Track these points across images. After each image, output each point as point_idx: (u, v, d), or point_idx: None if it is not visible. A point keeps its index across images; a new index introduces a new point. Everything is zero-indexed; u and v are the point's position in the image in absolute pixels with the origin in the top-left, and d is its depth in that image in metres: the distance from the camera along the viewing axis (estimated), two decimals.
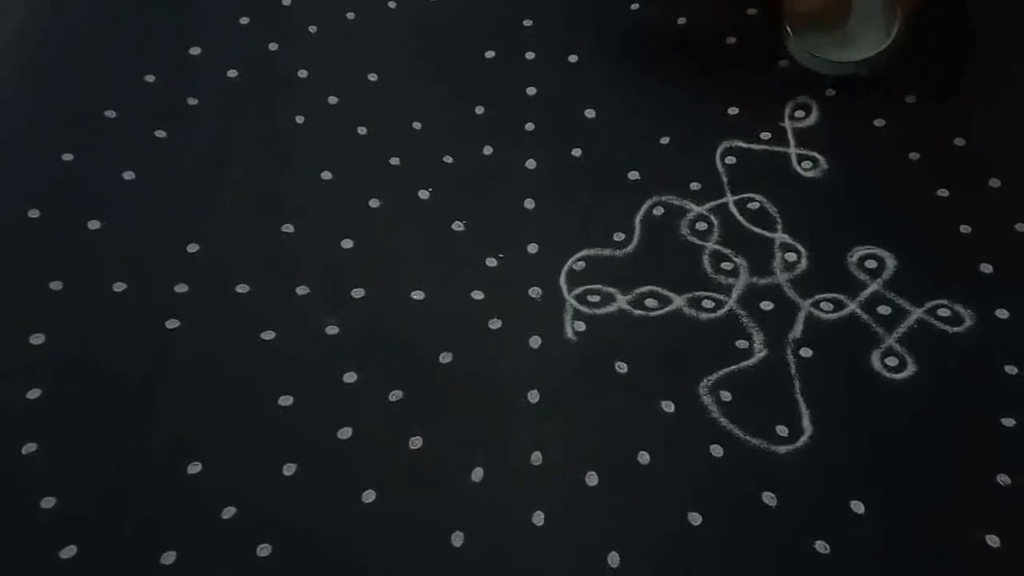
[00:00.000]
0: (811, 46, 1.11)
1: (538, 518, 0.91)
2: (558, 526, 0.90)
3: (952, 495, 0.92)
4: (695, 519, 0.91)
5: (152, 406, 0.95)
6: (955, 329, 1.02)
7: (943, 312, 1.03)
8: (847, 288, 1.05)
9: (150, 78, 1.18)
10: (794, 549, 0.90)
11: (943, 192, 1.11)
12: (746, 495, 0.92)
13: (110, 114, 1.14)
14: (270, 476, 0.92)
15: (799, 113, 1.18)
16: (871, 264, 1.07)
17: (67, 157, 1.11)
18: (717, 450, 0.95)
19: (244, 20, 1.24)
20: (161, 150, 1.12)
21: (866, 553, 0.89)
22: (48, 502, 0.90)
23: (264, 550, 0.88)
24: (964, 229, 1.08)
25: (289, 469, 0.92)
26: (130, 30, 1.22)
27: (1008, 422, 0.96)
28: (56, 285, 1.02)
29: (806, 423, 0.97)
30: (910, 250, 1.07)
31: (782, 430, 0.96)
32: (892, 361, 1.00)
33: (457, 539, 0.89)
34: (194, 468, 0.92)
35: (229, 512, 0.90)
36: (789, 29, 1.11)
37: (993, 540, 0.89)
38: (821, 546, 0.89)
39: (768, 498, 0.92)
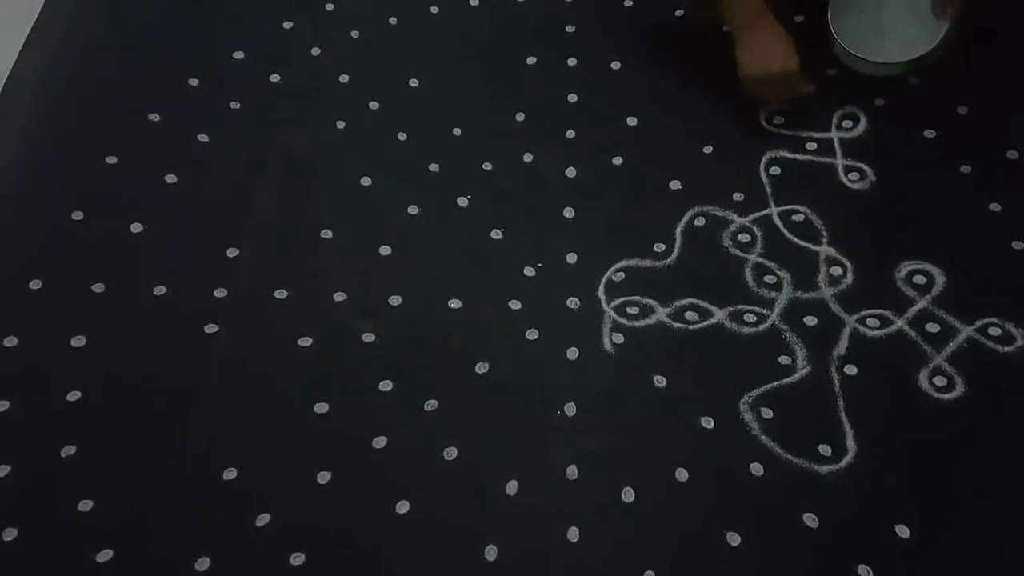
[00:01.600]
0: (854, 47, 1.08)
1: (573, 534, 0.90)
2: (593, 542, 0.89)
3: (999, 521, 0.89)
4: (733, 539, 0.89)
5: (189, 411, 0.96)
6: (1006, 349, 0.99)
7: (994, 331, 1.00)
8: (894, 304, 1.02)
9: (193, 82, 1.18)
10: (835, 573, 0.87)
11: (995, 207, 1.08)
12: (787, 516, 0.90)
13: (154, 118, 1.15)
14: (304, 484, 0.92)
15: (847, 123, 1.15)
16: (919, 280, 1.04)
17: (111, 160, 1.12)
18: (757, 468, 0.93)
19: (287, 25, 1.24)
20: (203, 154, 1.13)
21: None
22: (85, 505, 0.91)
23: (297, 558, 0.88)
24: (1017, 246, 1.05)
25: (323, 477, 0.92)
26: (174, 35, 1.23)
27: None
28: (98, 288, 1.03)
29: (850, 443, 0.94)
30: (960, 266, 1.04)
31: (825, 449, 0.94)
32: (940, 381, 0.97)
33: (491, 553, 0.89)
34: (229, 474, 0.93)
35: (263, 519, 0.91)
36: (832, 30, 1.09)
37: None
38: (864, 570, 0.87)
39: (809, 519, 0.90)
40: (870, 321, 1.02)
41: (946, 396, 0.97)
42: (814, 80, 1.12)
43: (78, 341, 0.99)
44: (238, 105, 1.16)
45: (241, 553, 0.89)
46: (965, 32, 1.06)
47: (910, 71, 1.09)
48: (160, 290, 1.02)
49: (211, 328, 1.00)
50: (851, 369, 0.99)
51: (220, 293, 1.02)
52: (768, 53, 1.08)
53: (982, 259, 1.05)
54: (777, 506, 0.91)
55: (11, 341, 0.99)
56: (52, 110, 1.16)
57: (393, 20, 1.25)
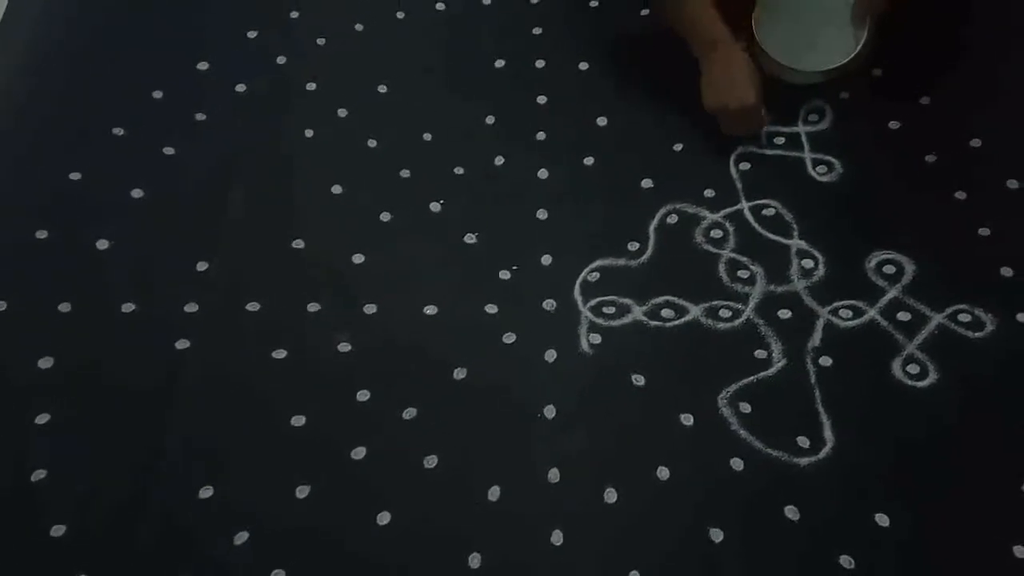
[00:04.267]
0: (781, 56, 1.09)
1: (557, 537, 0.89)
2: (577, 545, 0.89)
3: (978, 506, 0.90)
4: (717, 535, 0.89)
5: (163, 432, 0.95)
6: (977, 335, 1.00)
7: (964, 317, 1.01)
8: (866, 294, 1.03)
9: (158, 94, 1.17)
10: (818, 564, 0.88)
11: (961, 195, 1.09)
12: (768, 510, 0.91)
13: (118, 131, 1.14)
14: (283, 499, 0.91)
15: (813, 117, 1.16)
16: (889, 269, 1.05)
17: (75, 176, 1.10)
18: (738, 463, 0.93)
19: (252, 34, 1.23)
20: (170, 167, 1.11)
21: (892, 567, 0.88)
22: (58, 530, 0.89)
23: (278, 575, 0.87)
24: (983, 232, 1.06)
25: (302, 491, 0.91)
26: (137, 46, 1.21)
27: None
28: (65, 307, 1.01)
29: (828, 434, 0.95)
30: (929, 254, 1.05)
31: (803, 441, 0.95)
32: (914, 369, 0.98)
33: (475, 560, 0.88)
34: (206, 492, 0.92)
35: (241, 537, 0.89)
36: (759, 39, 1.10)
37: (1020, 551, 0.87)
38: (846, 560, 0.88)
39: (791, 512, 0.90)
40: (843, 312, 1.03)
41: (920, 384, 0.98)
42: (770, 116, 1.12)
43: (46, 363, 0.97)
44: (204, 116, 1.15)
45: (220, 572, 0.87)
46: (929, 29, 1.08)
47: (833, 79, 1.11)
48: (129, 307, 1.01)
49: (183, 344, 0.99)
50: (826, 360, 0.99)
51: (191, 308, 1.01)
52: (726, 86, 1.08)
53: (950, 247, 1.06)
54: (759, 500, 0.92)
55: None
56: (12, 126, 1.14)
57: (359, 27, 1.25)
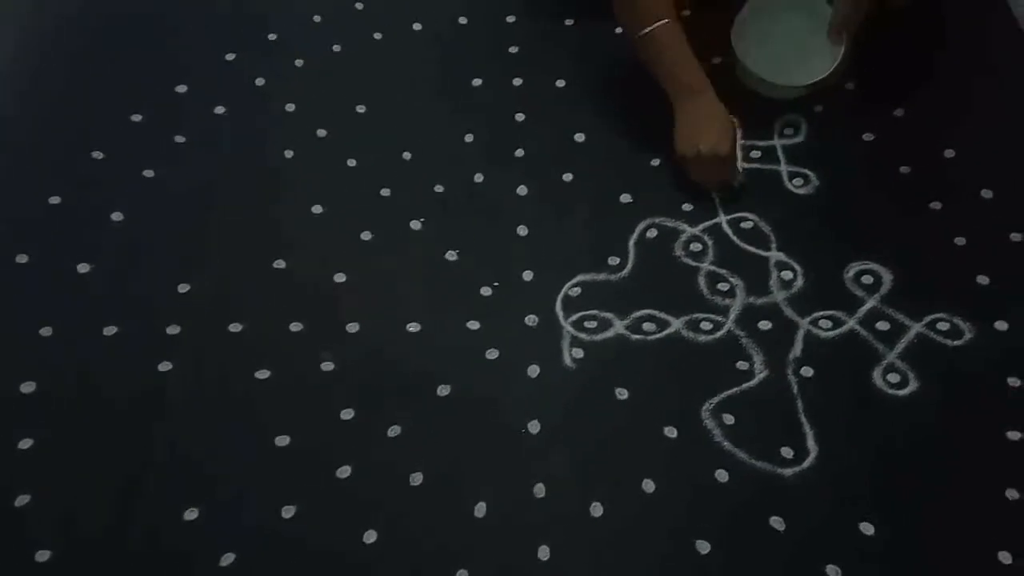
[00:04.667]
0: (761, 71, 1.11)
1: (543, 552, 0.89)
2: (564, 560, 0.89)
3: (961, 512, 0.91)
4: (703, 547, 0.90)
5: (147, 454, 0.94)
6: (955, 343, 1.01)
7: (942, 326, 1.02)
8: (845, 305, 1.04)
9: (137, 117, 1.17)
10: (804, 574, 0.88)
11: (936, 205, 1.11)
12: (754, 521, 0.91)
13: (97, 155, 1.13)
14: (269, 520, 0.91)
15: (788, 130, 1.18)
16: (867, 280, 1.06)
17: (54, 200, 1.09)
18: (722, 475, 0.94)
19: (230, 56, 1.23)
20: (149, 190, 1.11)
21: (876, 574, 0.88)
22: (43, 555, 0.88)
23: None
24: (959, 241, 1.08)
25: (288, 511, 0.91)
26: (115, 69, 1.21)
27: (1014, 435, 0.95)
28: (46, 331, 1.00)
29: (811, 443, 0.96)
30: (906, 264, 1.07)
31: (787, 452, 0.95)
32: (894, 378, 0.99)
33: None
34: (191, 515, 0.91)
35: (228, 559, 0.89)
36: (739, 54, 1.11)
37: (1005, 556, 0.88)
38: (832, 570, 0.88)
39: (776, 523, 0.91)
40: (822, 323, 1.04)
41: (900, 392, 0.99)
42: (741, 173, 1.13)
43: (28, 387, 0.97)
44: (183, 139, 1.15)
45: None
46: (902, 41, 1.10)
47: (811, 93, 1.13)
48: (111, 330, 1.00)
49: (165, 366, 0.98)
50: (807, 371, 1.00)
51: (173, 330, 1.01)
52: (700, 133, 1.08)
53: (926, 256, 1.08)
54: (744, 511, 0.92)
55: None
56: None
57: (337, 47, 1.25)
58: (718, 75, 1.10)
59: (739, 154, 1.11)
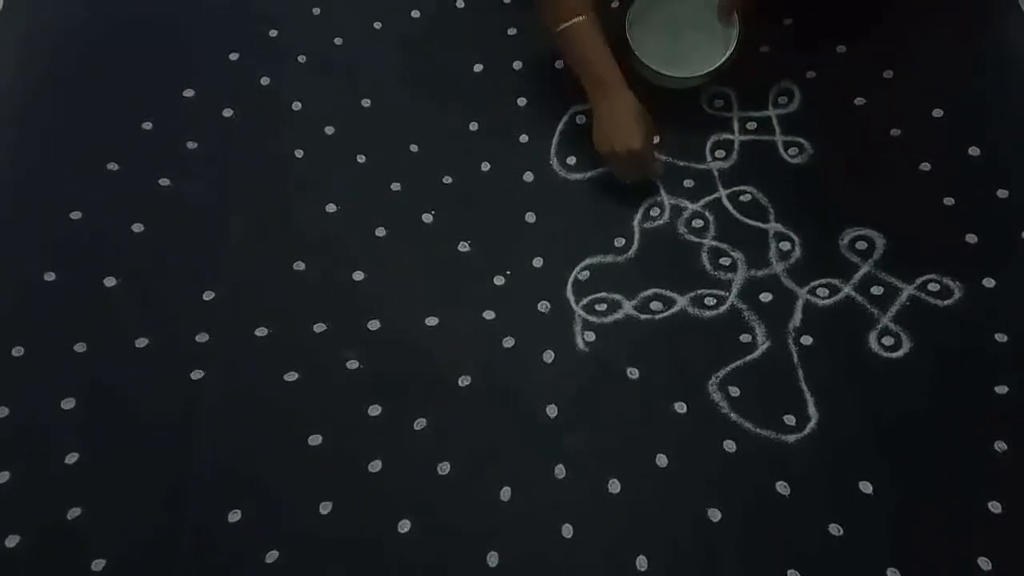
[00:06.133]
0: (656, 63, 1.11)
1: (567, 531, 0.95)
2: (587, 536, 0.95)
3: (954, 466, 0.97)
4: (715, 515, 0.96)
5: (188, 460, 0.99)
6: (945, 302, 1.06)
7: (933, 287, 1.07)
8: (841, 272, 1.08)
9: (147, 125, 1.18)
10: (810, 534, 0.95)
11: (925, 166, 1.13)
12: (761, 487, 0.97)
13: (112, 167, 1.15)
14: (308, 516, 0.96)
15: (782, 99, 1.20)
16: (862, 245, 1.10)
17: (75, 215, 1.11)
18: (730, 445, 1.00)
19: (234, 56, 1.23)
20: (166, 199, 1.13)
21: (878, 530, 0.95)
22: (98, 564, 0.93)
23: None
24: (948, 201, 1.11)
25: (325, 507, 0.96)
26: (120, 77, 1.21)
27: (1001, 390, 1.00)
28: (80, 347, 1.04)
29: (811, 410, 1.01)
30: (897, 228, 1.10)
31: (790, 419, 1.01)
32: (888, 340, 1.04)
33: (492, 559, 0.94)
34: (234, 516, 0.96)
35: (272, 556, 0.94)
36: (633, 47, 1.11)
37: (995, 507, 0.94)
38: (835, 528, 0.95)
39: (782, 487, 0.97)
40: (820, 291, 1.08)
41: (895, 354, 1.04)
42: (659, 160, 1.14)
43: (68, 403, 1.01)
44: (195, 145, 1.16)
45: None
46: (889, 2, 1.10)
47: (708, 81, 1.14)
48: (142, 342, 1.04)
49: (198, 374, 1.02)
50: (807, 339, 1.05)
51: (202, 338, 1.04)
52: (613, 130, 1.08)
53: (917, 219, 1.11)
54: (751, 478, 0.98)
55: (2, 412, 1.00)
56: (6, 171, 1.15)
57: (338, 40, 1.25)
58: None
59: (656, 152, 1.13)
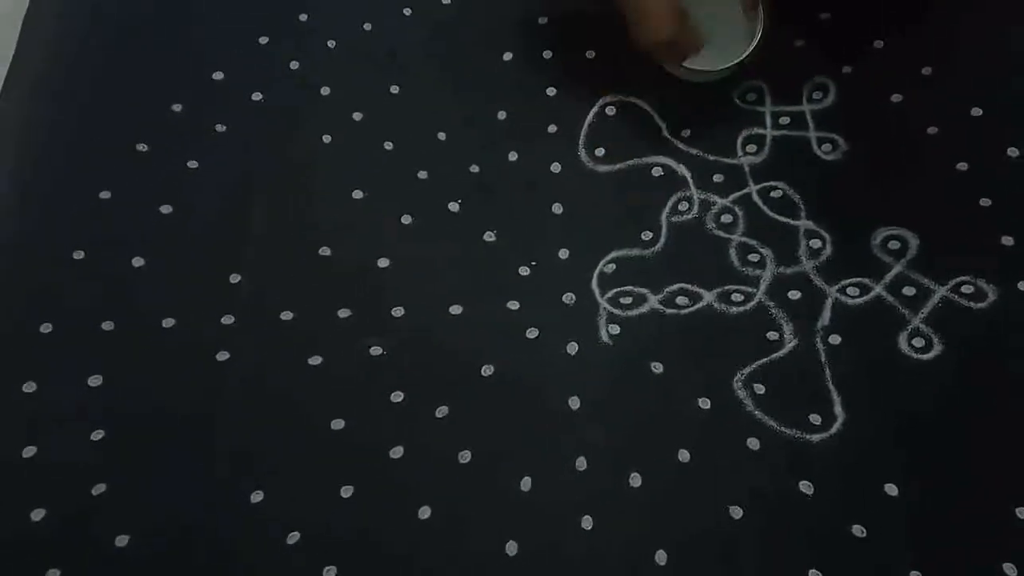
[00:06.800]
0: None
1: (587, 522, 0.95)
2: (607, 529, 0.95)
3: (983, 472, 0.96)
4: (736, 512, 0.95)
5: (212, 439, 0.99)
6: (979, 305, 1.04)
7: (967, 289, 1.05)
8: (872, 271, 1.07)
9: (177, 107, 1.18)
10: (832, 535, 0.94)
11: (962, 166, 1.11)
12: (784, 486, 0.96)
13: (141, 148, 1.15)
14: (329, 499, 0.96)
15: (817, 94, 1.18)
16: (894, 245, 1.08)
17: (104, 195, 1.12)
18: (754, 443, 0.99)
19: (263, 40, 1.23)
20: (194, 181, 1.14)
21: (901, 533, 0.93)
22: (122, 540, 0.95)
23: (330, 571, 0.94)
24: (984, 202, 1.09)
25: (347, 491, 0.97)
26: (151, 59, 1.22)
27: None
28: (108, 325, 1.05)
29: (838, 410, 1.00)
30: (932, 228, 1.08)
31: (815, 419, 1.00)
32: (919, 342, 1.03)
33: (511, 548, 0.94)
34: (256, 497, 0.97)
35: (294, 537, 0.95)
36: None
37: (1022, 512, 0.93)
38: (858, 530, 0.94)
39: (805, 487, 0.96)
40: (850, 290, 1.06)
41: (925, 356, 1.02)
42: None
43: (95, 380, 1.01)
44: (224, 128, 1.16)
45: (277, 572, 0.94)
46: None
47: (730, 75, 1.11)
48: (169, 322, 1.04)
49: (223, 356, 1.03)
50: (835, 339, 1.04)
51: (227, 320, 1.05)
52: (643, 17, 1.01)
53: (952, 219, 1.09)
54: (774, 477, 0.97)
55: (30, 387, 1.01)
56: (38, 150, 1.15)
57: (368, 26, 1.25)
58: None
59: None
